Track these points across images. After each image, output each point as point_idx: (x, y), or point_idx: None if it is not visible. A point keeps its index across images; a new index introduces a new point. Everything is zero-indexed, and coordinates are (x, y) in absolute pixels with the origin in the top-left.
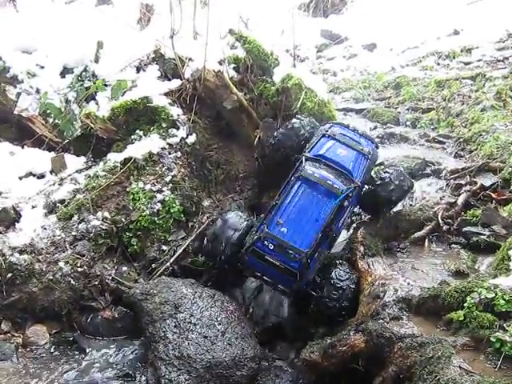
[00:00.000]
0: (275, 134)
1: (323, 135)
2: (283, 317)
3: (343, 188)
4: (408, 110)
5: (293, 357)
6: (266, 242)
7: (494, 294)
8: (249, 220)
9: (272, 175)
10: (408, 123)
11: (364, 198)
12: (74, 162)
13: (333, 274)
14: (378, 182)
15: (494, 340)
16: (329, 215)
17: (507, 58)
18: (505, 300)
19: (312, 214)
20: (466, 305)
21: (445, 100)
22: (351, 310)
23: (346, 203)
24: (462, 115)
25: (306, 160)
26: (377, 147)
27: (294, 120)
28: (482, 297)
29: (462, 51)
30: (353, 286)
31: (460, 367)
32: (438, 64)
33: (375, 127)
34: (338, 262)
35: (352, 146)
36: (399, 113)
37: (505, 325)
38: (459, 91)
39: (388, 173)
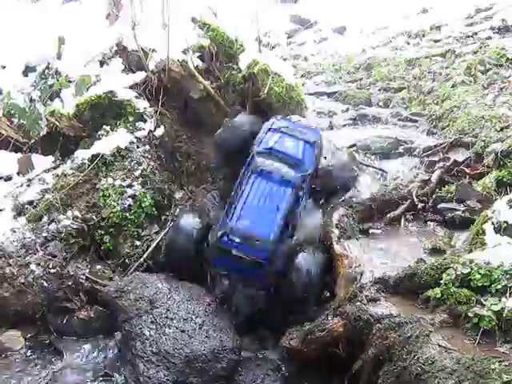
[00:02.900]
0: (218, 134)
1: (269, 129)
2: (261, 306)
3: (297, 175)
4: (380, 90)
5: (273, 345)
6: (231, 236)
7: (469, 269)
8: (203, 222)
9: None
10: (380, 103)
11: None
12: (41, 161)
13: (295, 259)
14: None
15: (472, 315)
16: (288, 203)
17: (476, 34)
18: (480, 274)
19: (271, 203)
20: (442, 282)
21: (416, 78)
22: (317, 291)
23: (300, 193)
24: (434, 92)
25: (257, 154)
26: (320, 135)
27: (234, 119)
28: (458, 272)
29: (431, 29)
30: (315, 267)
31: (439, 345)
32: (408, 43)
33: (347, 109)
34: (301, 247)
35: (298, 136)
36: (371, 94)
37: (482, 299)
38: (430, 69)
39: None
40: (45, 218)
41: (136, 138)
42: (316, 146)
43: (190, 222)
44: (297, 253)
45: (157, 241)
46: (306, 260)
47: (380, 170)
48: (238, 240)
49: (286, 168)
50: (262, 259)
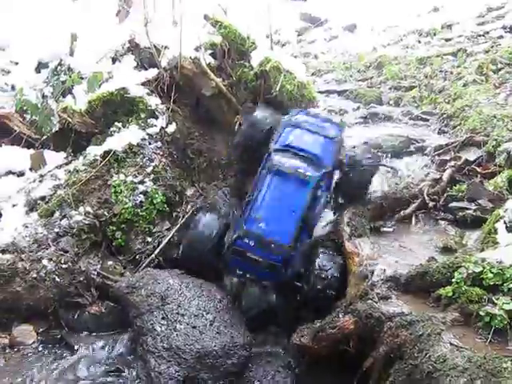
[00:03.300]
0: (238, 132)
1: (287, 125)
2: (272, 302)
3: (315, 175)
4: (390, 88)
5: (284, 342)
6: (246, 240)
7: (481, 268)
8: (223, 219)
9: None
10: (391, 102)
11: (339, 185)
12: (53, 157)
13: (316, 264)
14: (347, 169)
15: (484, 314)
16: (305, 204)
17: (488, 33)
18: (492, 273)
19: (288, 205)
20: (454, 280)
21: (427, 77)
22: (337, 297)
23: (319, 192)
24: (445, 91)
25: (274, 151)
26: (341, 130)
27: (252, 116)
28: (470, 271)
29: (442, 28)
30: (337, 275)
31: (450, 343)
32: (419, 42)
33: (358, 107)
34: (320, 250)
35: (317, 131)
36: (382, 92)
37: (493, 298)
38: (441, 68)
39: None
40: (57, 214)
41: (148, 134)
42: (337, 141)
43: (209, 222)
44: (315, 254)
45: (168, 237)
46: (324, 262)
47: (391, 168)
48: (252, 243)
49: (303, 166)
50: (277, 262)
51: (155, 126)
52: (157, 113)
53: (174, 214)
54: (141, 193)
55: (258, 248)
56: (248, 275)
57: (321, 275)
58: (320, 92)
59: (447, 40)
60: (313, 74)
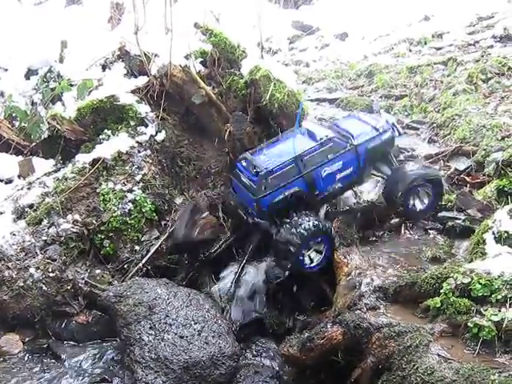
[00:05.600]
0: None
1: (348, 116)
2: (261, 312)
3: (330, 135)
4: (381, 97)
5: (272, 352)
6: (242, 162)
7: (469, 279)
8: None
9: None
10: (381, 111)
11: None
12: (42, 165)
13: (292, 218)
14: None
15: (472, 325)
16: (305, 150)
17: (478, 42)
18: (481, 284)
19: (291, 148)
20: (442, 291)
21: (417, 86)
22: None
23: (330, 155)
24: (435, 100)
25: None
26: (399, 134)
27: None
28: (458, 282)
29: (433, 37)
30: (306, 234)
31: (438, 355)
32: (410, 50)
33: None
34: (306, 213)
35: (369, 121)
36: (372, 101)
37: (482, 309)
38: (431, 76)
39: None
40: (45, 222)
41: (137, 142)
42: (380, 130)
43: None
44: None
45: (156, 246)
46: (301, 216)
47: (381, 177)
48: (244, 164)
49: (327, 130)
50: (253, 183)
51: (145, 133)
52: (146, 121)
53: (163, 223)
54: (129, 201)
55: (247, 169)
56: (239, 198)
57: (290, 229)
58: (311, 100)
59: (438, 49)
60: (304, 82)
